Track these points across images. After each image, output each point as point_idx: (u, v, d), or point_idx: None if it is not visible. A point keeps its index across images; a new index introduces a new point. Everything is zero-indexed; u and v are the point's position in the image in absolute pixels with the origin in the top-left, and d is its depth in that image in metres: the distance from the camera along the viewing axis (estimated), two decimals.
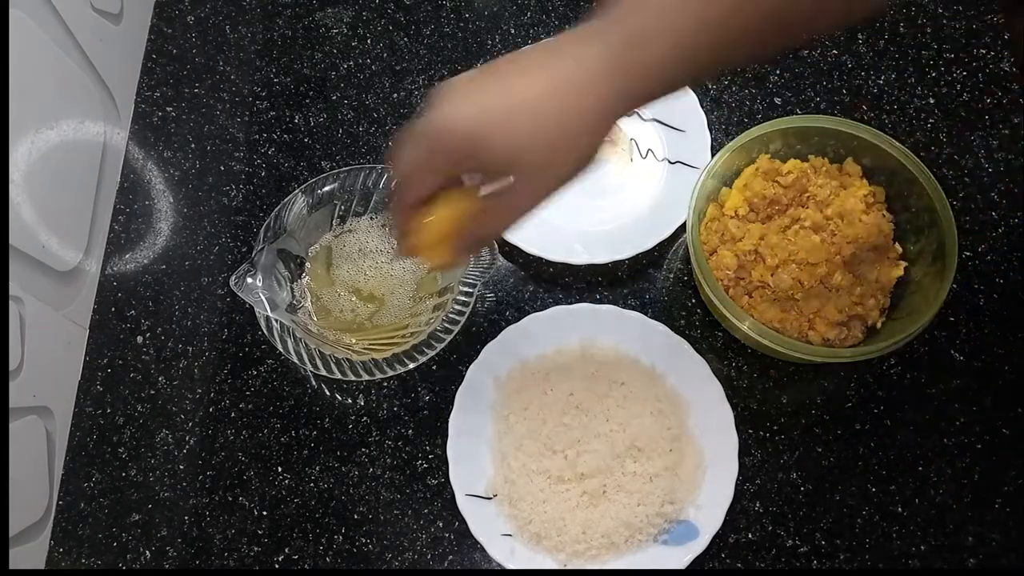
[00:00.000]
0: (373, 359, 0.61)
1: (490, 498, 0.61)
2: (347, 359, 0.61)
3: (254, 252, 0.61)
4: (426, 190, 0.42)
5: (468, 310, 0.62)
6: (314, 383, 0.66)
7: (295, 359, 0.61)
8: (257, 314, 0.61)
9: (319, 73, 0.76)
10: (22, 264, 0.59)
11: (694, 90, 0.71)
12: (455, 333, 0.61)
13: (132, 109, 0.75)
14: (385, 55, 0.76)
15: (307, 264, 0.64)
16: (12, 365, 0.57)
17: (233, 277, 0.58)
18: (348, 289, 0.64)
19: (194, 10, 0.78)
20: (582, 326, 0.64)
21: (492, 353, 0.63)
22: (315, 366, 0.60)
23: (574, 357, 0.64)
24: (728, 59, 0.42)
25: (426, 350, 0.61)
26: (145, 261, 0.70)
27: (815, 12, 0.41)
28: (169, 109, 0.75)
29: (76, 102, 0.67)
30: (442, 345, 0.61)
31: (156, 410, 0.65)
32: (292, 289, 0.62)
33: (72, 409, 0.65)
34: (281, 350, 0.61)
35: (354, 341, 0.62)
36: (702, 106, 0.71)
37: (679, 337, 0.63)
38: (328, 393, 0.65)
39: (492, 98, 0.37)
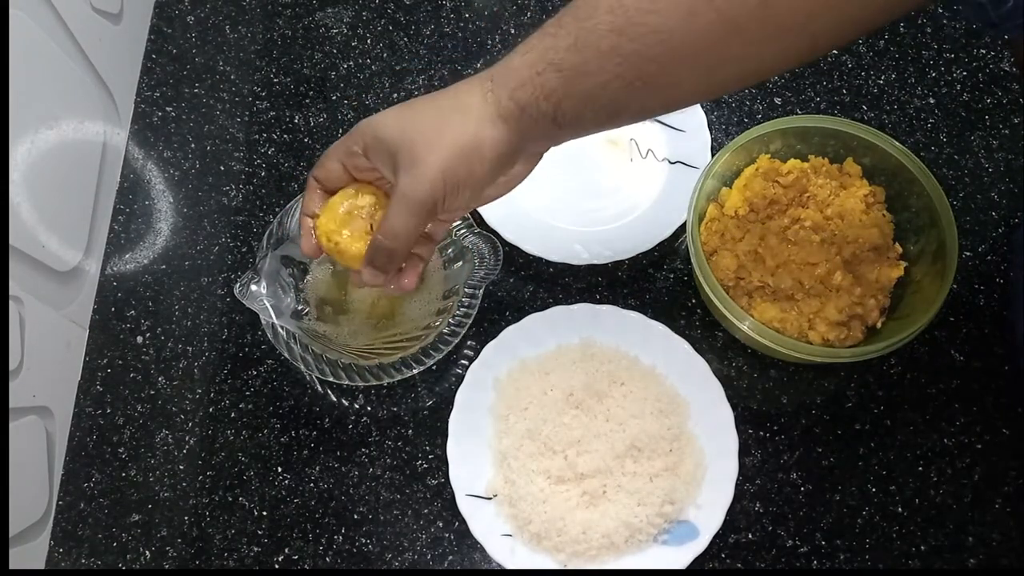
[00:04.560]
0: (380, 363, 0.61)
1: (490, 498, 0.61)
2: (353, 364, 0.61)
3: (257, 259, 0.61)
4: (335, 166, 0.50)
5: (474, 312, 0.62)
6: (319, 388, 0.66)
7: (301, 365, 0.61)
8: (262, 321, 0.61)
9: (319, 73, 0.76)
10: (22, 264, 0.59)
11: None
12: (461, 335, 0.61)
13: (132, 109, 0.75)
14: (385, 55, 0.76)
15: (311, 271, 0.64)
16: (12, 365, 0.57)
17: (237, 285, 0.58)
18: (353, 294, 0.64)
19: (194, 10, 0.78)
20: (582, 326, 0.64)
21: (492, 353, 0.63)
22: (322, 372, 0.60)
23: (574, 357, 0.64)
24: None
25: (433, 353, 0.61)
26: (145, 261, 0.70)
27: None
28: (169, 109, 0.75)
29: (76, 102, 0.67)
30: (448, 348, 0.61)
31: (156, 410, 0.65)
32: (296, 295, 0.62)
33: (72, 409, 0.65)
34: (287, 356, 0.61)
35: (361, 345, 0.62)
36: (702, 106, 0.71)
37: (679, 337, 0.63)
38: (328, 393, 0.65)
39: (395, 110, 0.47)
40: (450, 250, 0.64)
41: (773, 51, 0.41)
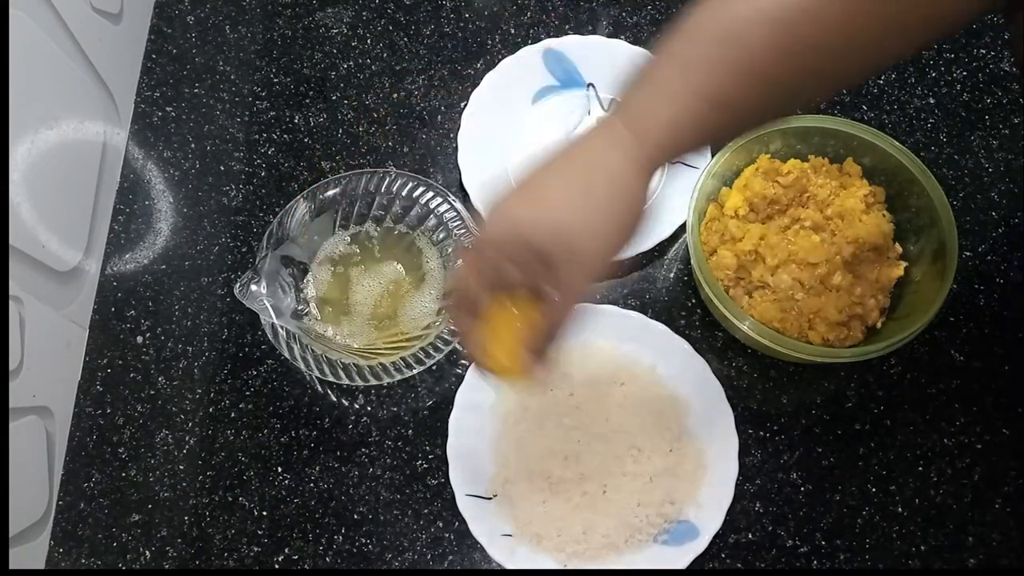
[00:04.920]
0: (380, 363, 0.61)
1: (490, 498, 0.61)
2: (354, 364, 0.61)
3: (257, 259, 0.61)
4: (480, 290, 0.44)
5: None
6: (319, 388, 0.66)
7: (302, 365, 0.61)
8: (263, 321, 0.61)
9: (319, 73, 0.76)
10: (22, 264, 0.59)
11: None
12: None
13: (132, 109, 0.75)
14: (385, 55, 0.76)
15: (311, 271, 0.64)
16: (12, 365, 0.57)
17: (237, 285, 0.58)
18: (353, 295, 0.64)
19: (194, 10, 0.78)
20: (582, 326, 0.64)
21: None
22: (322, 372, 0.60)
23: (574, 357, 0.64)
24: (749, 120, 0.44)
25: (433, 353, 0.61)
26: (145, 261, 0.70)
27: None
28: (169, 109, 0.75)
29: (76, 102, 0.67)
30: (448, 348, 0.61)
31: (156, 410, 0.65)
32: (296, 295, 0.62)
33: (72, 409, 0.65)
34: (287, 356, 0.61)
35: (361, 345, 0.62)
36: None
37: (679, 337, 0.63)
38: (328, 393, 0.65)
39: (529, 199, 0.42)
40: (451, 250, 0.64)
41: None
